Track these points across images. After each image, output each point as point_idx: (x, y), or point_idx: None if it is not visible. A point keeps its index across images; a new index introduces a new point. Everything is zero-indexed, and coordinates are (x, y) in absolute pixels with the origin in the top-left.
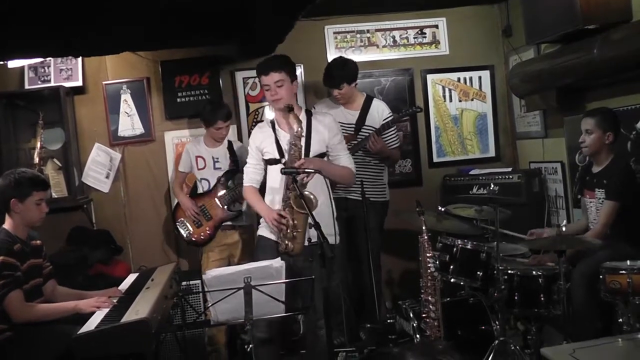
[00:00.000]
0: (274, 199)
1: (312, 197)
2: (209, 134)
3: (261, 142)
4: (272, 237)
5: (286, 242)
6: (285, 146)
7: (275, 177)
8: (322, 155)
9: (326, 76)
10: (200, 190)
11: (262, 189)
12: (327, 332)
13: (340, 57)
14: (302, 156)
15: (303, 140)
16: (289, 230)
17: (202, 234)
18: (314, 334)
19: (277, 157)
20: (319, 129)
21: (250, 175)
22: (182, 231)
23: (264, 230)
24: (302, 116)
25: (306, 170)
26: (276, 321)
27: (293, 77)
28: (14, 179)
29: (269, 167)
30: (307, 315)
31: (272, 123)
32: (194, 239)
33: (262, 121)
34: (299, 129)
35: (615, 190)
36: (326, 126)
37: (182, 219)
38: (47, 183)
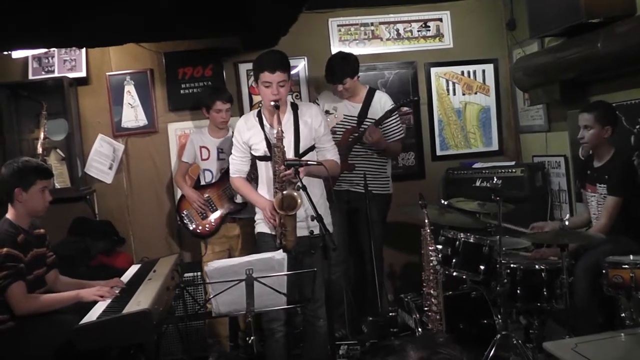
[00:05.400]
0: (268, 192)
1: (295, 195)
2: (211, 120)
3: (249, 138)
4: (272, 231)
5: (280, 237)
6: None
7: (266, 172)
8: (311, 149)
9: (328, 73)
10: (203, 182)
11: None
12: (328, 324)
13: (340, 52)
14: (285, 157)
15: (285, 141)
16: (276, 228)
17: (207, 225)
18: (313, 325)
19: (268, 154)
20: (306, 121)
21: (237, 167)
22: (187, 223)
23: (262, 227)
24: (288, 110)
25: (309, 162)
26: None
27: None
28: (17, 168)
29: (258, 162)
30: (305, 307)
31: (260, 118)
32: (199, 230)
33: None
34: (280, 129)
35: (617, 186)
36: (311, 117)
37: (187, 210)
38: (51, 171)
